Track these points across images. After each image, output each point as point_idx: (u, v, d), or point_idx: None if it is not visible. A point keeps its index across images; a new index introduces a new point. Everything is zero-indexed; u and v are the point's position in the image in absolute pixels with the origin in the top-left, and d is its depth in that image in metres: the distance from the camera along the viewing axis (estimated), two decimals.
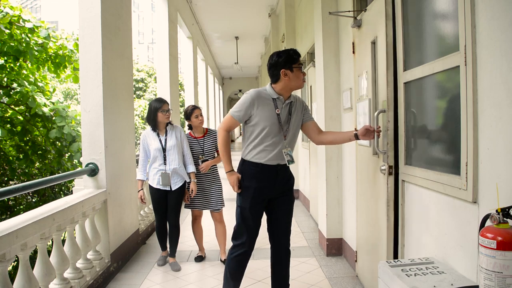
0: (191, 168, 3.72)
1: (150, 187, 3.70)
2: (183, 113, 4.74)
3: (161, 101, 3.64)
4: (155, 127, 3.64)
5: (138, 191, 3.70)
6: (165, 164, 3.59)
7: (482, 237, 1.33)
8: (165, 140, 3.63)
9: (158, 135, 3.64)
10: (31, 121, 7.61)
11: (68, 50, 7.93)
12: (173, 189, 3.63)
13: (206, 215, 4.25)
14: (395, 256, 2.49)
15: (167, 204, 3.71)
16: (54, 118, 7.58)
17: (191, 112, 3.80)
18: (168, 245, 3.85)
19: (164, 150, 3.60)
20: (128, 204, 4.12)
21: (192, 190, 3.70)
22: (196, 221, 3.96)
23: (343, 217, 3.99)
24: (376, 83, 2.74)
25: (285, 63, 2.40)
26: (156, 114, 3.60)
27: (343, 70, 3.86)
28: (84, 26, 3.59)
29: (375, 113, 2.54)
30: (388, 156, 2.48)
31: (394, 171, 2.47)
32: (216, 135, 3.90)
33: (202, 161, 3.78)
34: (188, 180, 3.70)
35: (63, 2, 59.16)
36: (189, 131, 3.91)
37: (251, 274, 3.53)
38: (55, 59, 7.86)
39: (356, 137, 2.45)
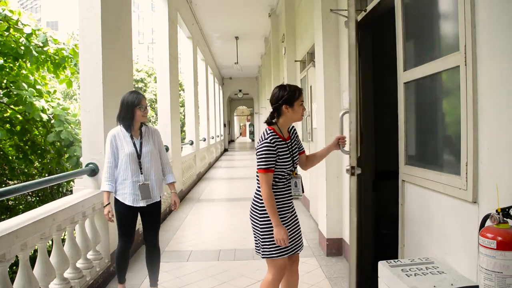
0: (171, 178, 3.10)
1: (120, 204, 2.92)
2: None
3: (138, 95, 2.92)
4: (130, 127, 2.92)
5: (105, 206, 2.86)
6: (141, 173, 2.90)
7: (482, 237, 1.33)
8: (140, 144, 2.93)
9: (131, 137, 2.92)
10: (31, 121, 7.62)
11: (66, 52, 7.93)
12: (151, 202, 2.97)
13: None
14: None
15: (136, 223, 3.06)
16: (52, 122, 7.58)
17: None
18: (148, 273, 3.17)
19: (139, 156, 2.90)
20: None
21: (175, 203, 3.11)
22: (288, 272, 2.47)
23: (343, 217, 3.98)
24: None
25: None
26: (134, 111, 2.87)
27: (343, 70, 3.86)
28: (84, 26, 3.59)
29: (340, 114, 2.60)
30: (351, 156, 2.50)
31: (355, 171, 2.52)
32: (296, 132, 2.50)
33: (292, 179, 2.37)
34: (158, 199, 3.02)
35: (63, 2, 59.12)
36: (272, 126, 2.34)
37: (251, 274, 3.53)
38: (54, 60, 7.86)
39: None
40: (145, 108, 2.93)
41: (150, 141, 2.99)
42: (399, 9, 2.37)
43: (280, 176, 2.28)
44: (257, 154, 2.24)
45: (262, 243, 2.30)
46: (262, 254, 2.32)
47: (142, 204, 2.92)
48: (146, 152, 2.93)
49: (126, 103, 2.88)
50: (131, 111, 2.87)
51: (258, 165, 2.23)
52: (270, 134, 2.25)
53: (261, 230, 2.29)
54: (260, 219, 2.29)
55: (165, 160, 3.11)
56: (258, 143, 2.28)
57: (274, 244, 2.26)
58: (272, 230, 2.25)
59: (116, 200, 2.94)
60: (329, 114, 3.96)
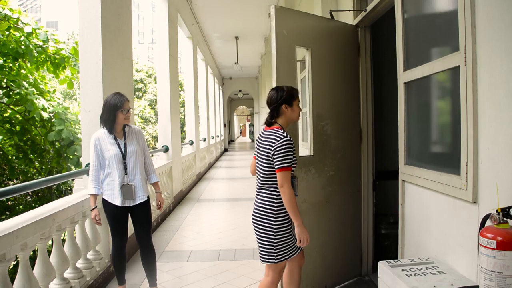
0: (155, 178, 3.14)
1: (107, 203, 2.93)
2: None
3: (121, 97, 2.89)
4: (112, 130, 2.90)
5: (92, 210, 2.88)
6: (126, 174, 2.91)
7: (482, 237, 1.33)
8: (125, 144, 2.94)
9: (115, 138, 2.92)
10: (30, 121, 7.62)
11: (65, 52, 7.92)
12: (137, 203, 2.96)
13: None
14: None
15: (127, 223, 3.03)
16: (53, 120, 7.58)
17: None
18: (145, 274, 3.18)
19: (124, 157, 2.90)
20: None
21: (160, 203, 3.13)
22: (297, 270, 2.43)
23: None
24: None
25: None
26: (116, 114, 2.85)
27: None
28: (84, 26, 3.59)
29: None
30: None
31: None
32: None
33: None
34: (144, 199, 2.98)
35: (63, 2, 59.15)
36: (278, 126, 2.32)
37: (251, 274, 3.53)
38: (54, 60, 7.86)
39: None
40: (128, 111, 2.90)
41: (134, 141, 2.98)
42: (399, 9, 2.37)
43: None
44: (279, 151, 2.14)
45: (276, 248, 2.21)
46: (277, 259, 2.22)
47: (130, 204, 2.93)
48: (131, 152, 2.94)
49: (109, 105, 2.86)
50: (113, 114, 2.85)
51: (280, 164, 2.13)
52: (285, 132, 2.23)
53: (276, 234, 2.20)
54: (275, 223, 2.20)
55: (149, 160, 3.13)
56: (272, 143, 2.18)
57: (288, 245, 2.23)
58: (287, 231, 2.22)
59: (106, 201, 2.94)
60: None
